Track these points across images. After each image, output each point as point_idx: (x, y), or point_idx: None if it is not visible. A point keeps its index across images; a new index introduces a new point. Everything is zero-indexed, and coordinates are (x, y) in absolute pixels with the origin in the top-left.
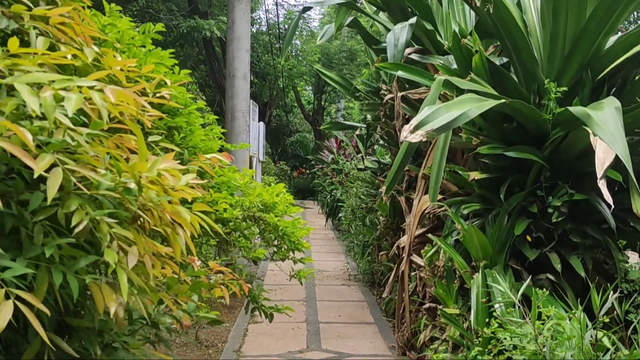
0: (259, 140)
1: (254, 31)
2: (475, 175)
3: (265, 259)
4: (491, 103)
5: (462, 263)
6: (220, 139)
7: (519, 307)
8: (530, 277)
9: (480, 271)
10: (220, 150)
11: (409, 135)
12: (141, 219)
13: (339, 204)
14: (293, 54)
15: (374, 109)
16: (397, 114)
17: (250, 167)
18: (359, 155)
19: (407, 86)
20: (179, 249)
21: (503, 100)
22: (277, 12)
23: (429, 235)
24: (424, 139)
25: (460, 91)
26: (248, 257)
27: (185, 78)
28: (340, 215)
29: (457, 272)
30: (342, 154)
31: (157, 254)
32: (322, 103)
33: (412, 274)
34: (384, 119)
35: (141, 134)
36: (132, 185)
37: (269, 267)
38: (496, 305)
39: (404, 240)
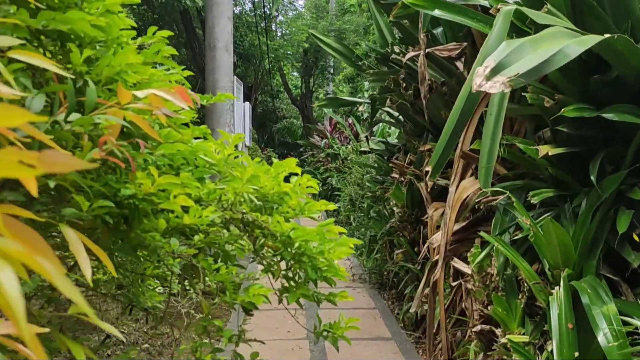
0: (244, 123)
1: (237, 12)
2: (547, 150)
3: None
4: (593, 39)
5: (531, 272)
6: (183, 84)
7: None
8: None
9: (562, 284)
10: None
11: (484, 83)
12: None
13: (335, 192)
14: (279, 34)
15: (382, 78)
16: (421, 76)
17: None
18: (363, 136)
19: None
20: None
21: (607, 36)
22: None
23: (482, 233)
24: (507, 90)
25: (519, 34)
26: (232, 302)
27: None
28: (337, 205)
29: (525, 283)
30: (337, 137)
31: None
32: (310, 87)
33: (454, 283)
34: (398, 88)
35: None
36: None
37: (258, 266)
38: (600, 337)
39: (438, 239)
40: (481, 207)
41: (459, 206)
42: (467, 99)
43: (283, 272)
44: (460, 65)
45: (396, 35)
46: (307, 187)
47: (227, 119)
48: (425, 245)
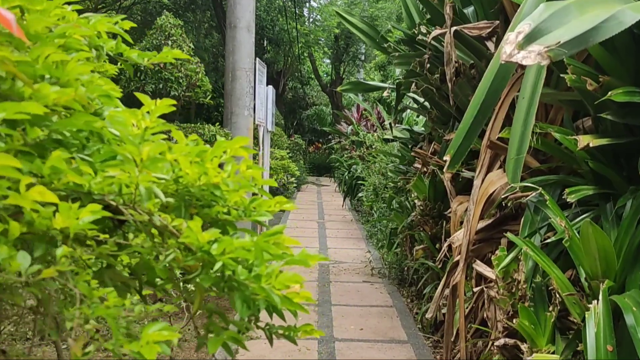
0: (267, 107)
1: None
2: (588, 140)
3: None
4: None
5: (564, 281)
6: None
7: None
8: None
9: (601, 297)
10: None
11: (516, 52)
12: None
13: (359, 181)
14: (310, 19)
15: (407, 62)
16: (447, 56)
17: (256, 139)
18: (387, 122)
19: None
20: None
21: None
22: None
23: (508, 234)
24: (544, 62)
25: None
26: (117, 351)
27: None
28: (360, 194)
29: (557, 294)
30: (364, 125)
31: None
32: (341, 73)
33: (476, 288)
34: (423, 71)
35: None
36: None
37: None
38: None
39: (460, 237)
40: (509, 203)
41: (484, 202)
42: (495, 78)
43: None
44: (491, 45)
45: (425, 16)
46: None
47: (247, 102)
48: (446, 243)
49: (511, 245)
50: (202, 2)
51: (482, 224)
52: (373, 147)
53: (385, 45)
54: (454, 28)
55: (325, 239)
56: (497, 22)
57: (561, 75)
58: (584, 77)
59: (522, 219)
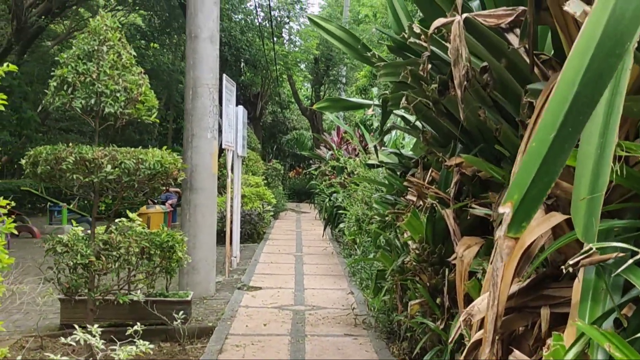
0: (236, 129)
1: (248, 21)
2: None
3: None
4: None
5: None
6: None
7: None
8: None
9: None
10: None
11: None
12: None
13: (340, 210)
14: (287, 39)
15: (396, 72)
16: (454, 54)
17: (223, 163)
18: (371, 145)
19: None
20: None
21: None
22: None
23: (578, 323)
24: None
25: None
26: None
27: None
28: (341, 225)
29: None
30: (345, 149)
31: None
32: (321, 97)
33: None
34: (416, 83)
35: None
36: None
37: (242, 300)
38: None
39: (482, 308)
40: (566, 267)
41: (519, 257)
42: (599, 46)
43: None
44: (514, 40)
45: (417, 17)
46: None
47: (210, 123)
48: (462, 317)
49: (558, 320)
50: (178, 25)
51: (513, 287)
52: (355, 173)
53: (369, 54)
54: (464, 15)
55: (302, 276)
56: (522, 8)
57: None
58: None
59: (580, 286)
